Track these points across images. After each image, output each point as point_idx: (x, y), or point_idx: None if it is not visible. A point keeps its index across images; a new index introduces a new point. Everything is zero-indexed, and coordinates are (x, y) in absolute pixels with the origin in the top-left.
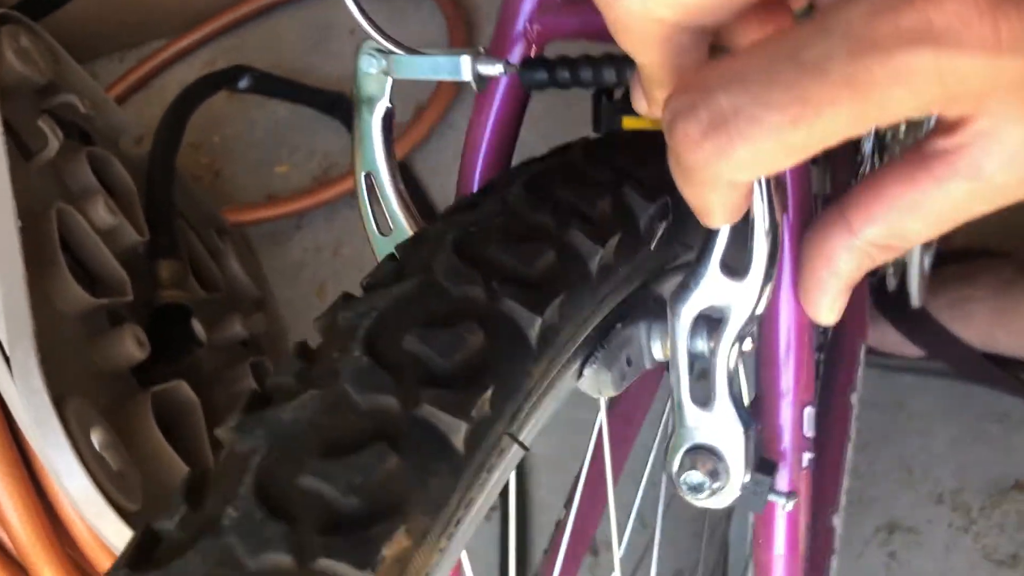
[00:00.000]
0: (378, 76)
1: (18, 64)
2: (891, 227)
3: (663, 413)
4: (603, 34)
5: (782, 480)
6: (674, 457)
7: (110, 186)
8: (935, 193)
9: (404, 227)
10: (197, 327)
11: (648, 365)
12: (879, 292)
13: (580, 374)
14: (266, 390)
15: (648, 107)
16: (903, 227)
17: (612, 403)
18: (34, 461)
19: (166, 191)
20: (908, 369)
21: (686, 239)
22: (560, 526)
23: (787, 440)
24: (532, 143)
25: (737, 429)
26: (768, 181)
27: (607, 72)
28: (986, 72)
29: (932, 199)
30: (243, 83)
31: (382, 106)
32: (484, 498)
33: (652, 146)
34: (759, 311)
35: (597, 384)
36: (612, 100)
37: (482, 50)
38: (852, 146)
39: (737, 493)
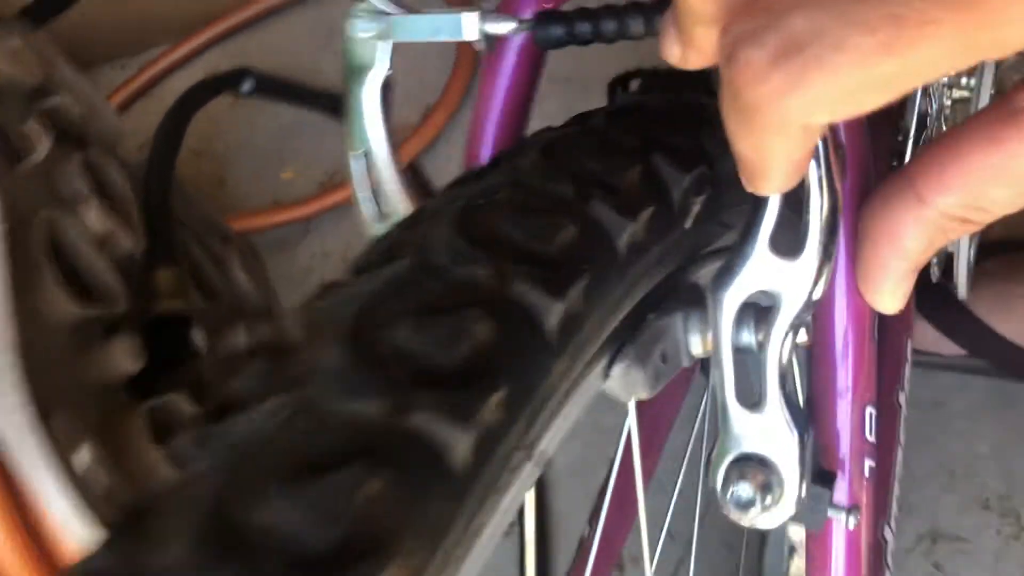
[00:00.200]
0: (371, 41)
1: (6, 64)
2: (970, 196)
3: (695, 416)
4: None
5: (841, 492)
6: (718, 469)
7: (106, 192)
8: None
9: (404, 212)
10: (197, 337)
11: (686, 362)
12: (918, 285)
13: (607, 373)
14: (225, 398)
15: (684, 53)
16: (985, 195)
17: (640, 406)
18: (16, 480)
19: (164, 198)
20: (948, 367)
21: (725, 218)
22: (585, 544)
23: (846, 446)
24: None
25: (791, 434)
26: (826, 140)
27: (633, 22)
28: None
29: (1021, 161)
30: (246, 86)
31: (378, 75)
32: (495, 524)
33: (686, 112)
34: (816, 296)
35: (627, 385)
36: (628, 91)
37: (490, 6)
38: (891, 124)
39: (792, 509)
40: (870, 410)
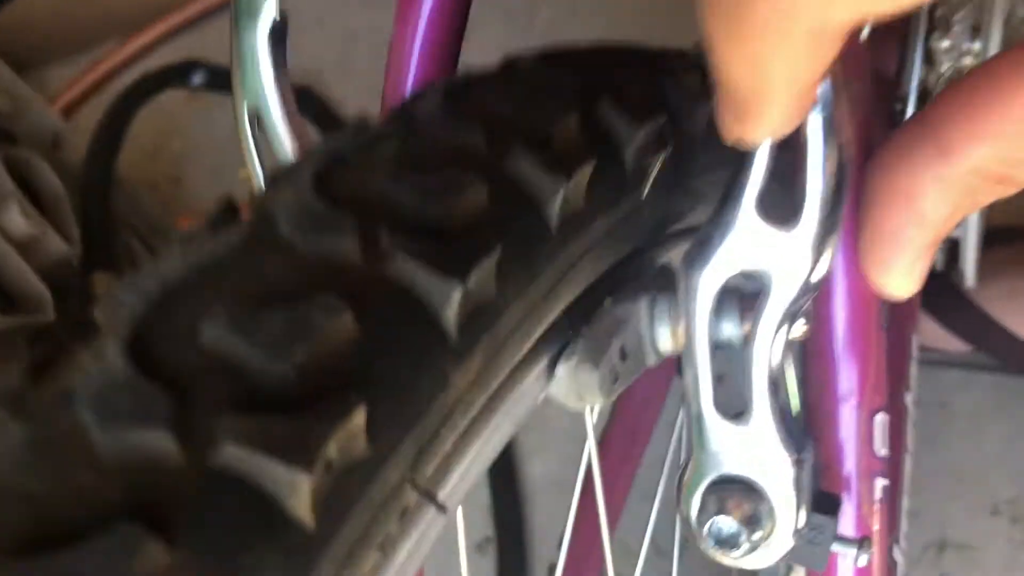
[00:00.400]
0: None
1: None
2: (1009, 147)
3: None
4: None
5: (848, 521)
6: (692, 497)
7: (36, 193)
8: None
9: None
10: None
11: (651, 361)
12: None
13: (550, 375)
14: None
15: None
16: None
17: (613, 411)
18: None
19: (103, 198)
20: (952, 365)
21: (695, 185)
22: (552, 572)
23: (852, 463)
24: None
25: (785, 453)
26: (831, 75)
27: None
28: None
29: None
30: (196, 79)
31: (267, 18)
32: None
33: (644, 57)
34: (816, 277)
35: (577, 388)
36: None
37: None
38: (889, 92)
39: (788, 545)
40: (880, 417)
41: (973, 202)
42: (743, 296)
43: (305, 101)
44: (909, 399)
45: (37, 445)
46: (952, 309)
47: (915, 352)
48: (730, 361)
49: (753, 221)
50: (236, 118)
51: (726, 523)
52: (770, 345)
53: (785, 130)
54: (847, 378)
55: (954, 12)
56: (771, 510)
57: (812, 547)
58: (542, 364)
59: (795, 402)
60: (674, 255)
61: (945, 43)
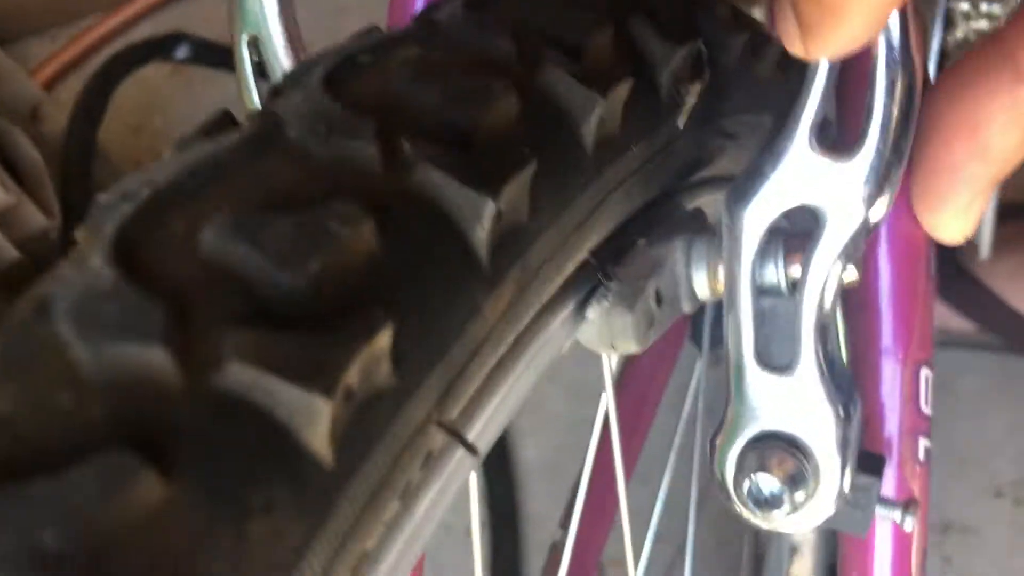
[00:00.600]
0: None
1: None
2: None
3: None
4: None
5: (889, 483)
6: (727, 453)
7: (13, 164)
8: None
9: None
10: None
11: (687, 307)
12: None
13: (581, 316)
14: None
15: None
16: None
17: (619, 385)
18: None
19: (83, 171)
20: (955, 345)
21: (729, 127)
22: (556, 550)
23: (896, 420)
24: None
25: (830, 406)
26: None
27: None
28: None
29: None
30: (180, 52)
31: None
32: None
33: None
34: (877, 215)
35: (609, 333)
36: None
37: None
38: None
39: (831, 508)
40: (926, 372)
41: None
42: (790, 239)
43: None
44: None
45: (8, 361)
46: (957, 286)
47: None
48: (775, 309)
49: (808, 150)
50: (235, 53)
51: (767, 481)
52: (821, 289)
53: (856, 43)
54: (892, 329)
55: None
56: (816, 468)
57: (855, 510)
58: (570, 307)
59: (843, 354)
60: (705, 202)
61: (964, 5)
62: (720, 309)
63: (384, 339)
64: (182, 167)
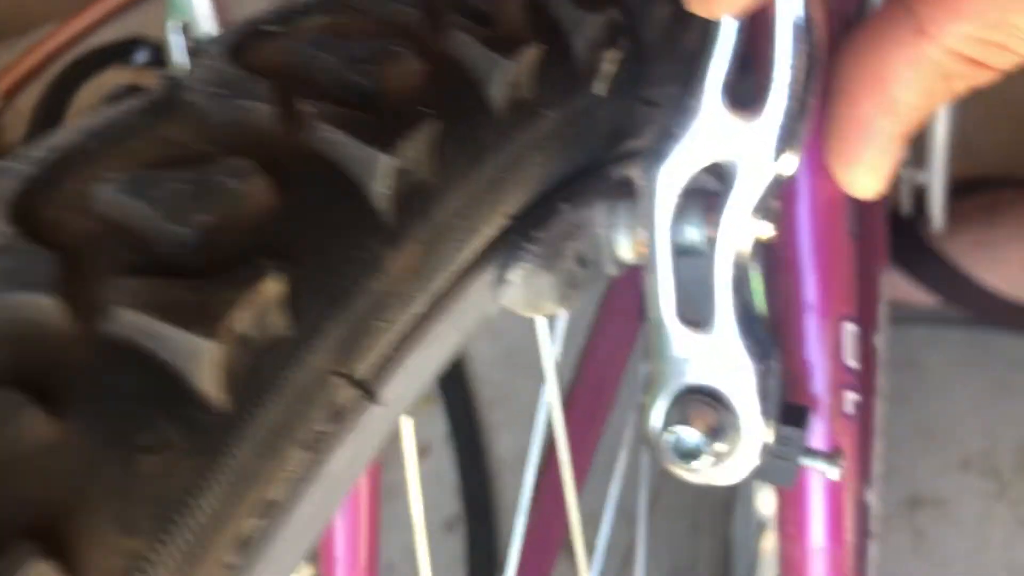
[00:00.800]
0: None
1: None
2: (988, 22)
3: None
4: None
5: (817, 434)
6: (651, 408)
7: None
8: None
9: None
10: None
11: (610, 268)
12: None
13: (502, 279)
14: None
15: None
16: (1006, 21)
17: (578, 367)
18: None
19: None
20: (920, 320)
21: (650, 95)
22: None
23: (821, 375)
24: None
25: (749, 359)
26: None
27: None
28: None
29: None
30: (139, 57)
31: None
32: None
33: None
34: (786, 169)
35: (531, 295)
36: None
37: None
38: None
39: (755, 460)
40: (849, 327)
41: (946, 88)
42: (707, 198)
43: None
44: (879, 340)
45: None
46: (919, 259)
47: (883, 295)
48: (693, 267)
49: (718, 109)
50: (167, 37)
51: (687, 433)
52: (734, 242)
53: (751, 5)
54: (813, 285)
55: None
56: (736, 420)
57: (780, 462)
58: (492, 270)
59: (761, 307)
60: (636, 174)
61: None
62: None
63: (272, 287)
64: (82, 131)
